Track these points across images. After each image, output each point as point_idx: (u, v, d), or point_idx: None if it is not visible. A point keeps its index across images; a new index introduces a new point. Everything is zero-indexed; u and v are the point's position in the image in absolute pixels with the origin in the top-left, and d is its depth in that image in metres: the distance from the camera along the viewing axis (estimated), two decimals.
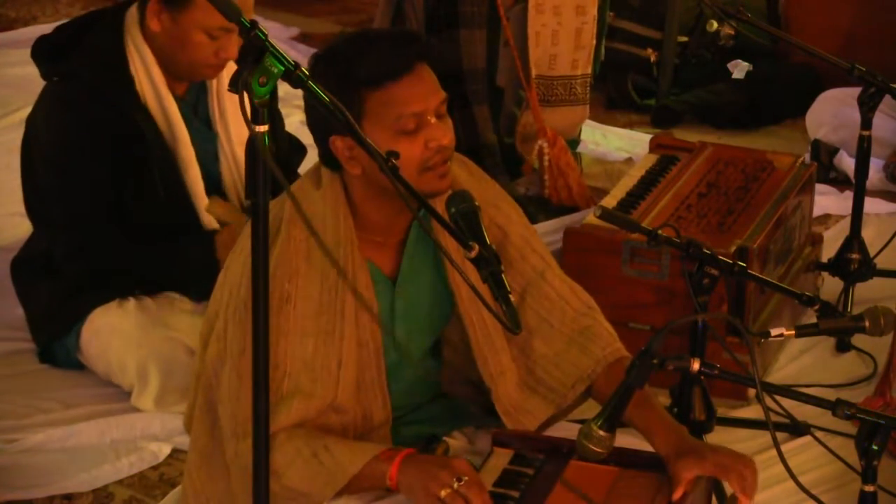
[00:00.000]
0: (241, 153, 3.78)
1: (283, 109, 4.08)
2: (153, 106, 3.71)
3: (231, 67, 3.82)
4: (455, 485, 2.50)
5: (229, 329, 2.66)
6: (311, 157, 3.14)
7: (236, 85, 2.06)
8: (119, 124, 3.66)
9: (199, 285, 3.60)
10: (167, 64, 3.70)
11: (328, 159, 2.67)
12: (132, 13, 3.72)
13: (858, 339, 4.00)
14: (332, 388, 2.65)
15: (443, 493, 2.49)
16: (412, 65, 2.60)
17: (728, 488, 2.58)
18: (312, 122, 2.68)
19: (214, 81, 3.81)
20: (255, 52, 2.06)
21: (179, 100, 3.76)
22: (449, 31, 4.55)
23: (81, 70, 3.69)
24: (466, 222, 2.48)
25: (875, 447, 2.38)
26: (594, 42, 4.72)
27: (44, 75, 3.78)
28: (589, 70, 4.77)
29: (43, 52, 3.77)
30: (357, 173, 2.63)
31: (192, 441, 2.79)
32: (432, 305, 2.79)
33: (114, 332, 3.71)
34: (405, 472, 2.55)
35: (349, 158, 2.62)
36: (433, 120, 2.61)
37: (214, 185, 3.80)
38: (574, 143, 4.95)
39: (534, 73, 4.62)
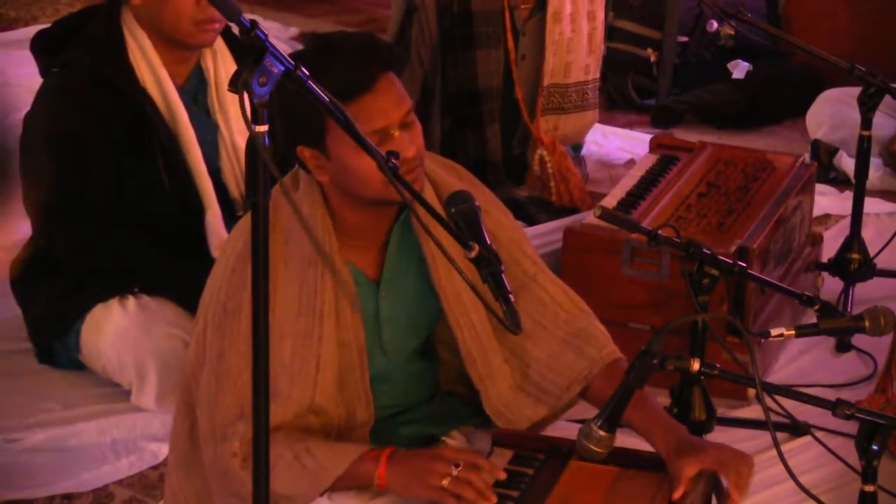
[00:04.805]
0: (241, 142, 3.77)
1: None
2: (153, 90, 3.71)
3: (230, 67, 3.82)
4: (454, 472, 2.50)
5: (208, 332, 2.65)
6: None
7: (236, 85, 2.06)
8: (121, 108, 3.67)
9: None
10: (159, 34, 3.70)
11: (301, 164, 2.66)
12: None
13: (858, 339, 4.00)
14: (310, 391, 2.64)
15: (445, 483, 2.50)
16: (374, 80, 2.54)
17: (725, 483, 2.58)
18: (279, 131, 2.61)
19: (212, 72, 3.81)
20: (255, 52, 2.06)
21: (179, 89, 3.76)
22: (465, 52, 4.54)
23: (81, 58, 3.70)
24: (466, 222, 2.48)
25: (875, 447, 2.38)
26: (603, 46, 4.74)
27: (43, 69, 3.79)
28: (598, 74, 4.78)
29: (42, 45, 3.79)
30: (325, 181, 2.62)
31: (171, 442, 2.80)
32: (418, 308, 2.78)
33: (113, 329, 3.71)
34: (395, 471, 2.55)
35: (316, 167, 2.61)
36: (397, 133, 2.57)
37: (214, 177, 3.79)
38: (578, 147, 4.95)
39: (548, 81, 4.62)
